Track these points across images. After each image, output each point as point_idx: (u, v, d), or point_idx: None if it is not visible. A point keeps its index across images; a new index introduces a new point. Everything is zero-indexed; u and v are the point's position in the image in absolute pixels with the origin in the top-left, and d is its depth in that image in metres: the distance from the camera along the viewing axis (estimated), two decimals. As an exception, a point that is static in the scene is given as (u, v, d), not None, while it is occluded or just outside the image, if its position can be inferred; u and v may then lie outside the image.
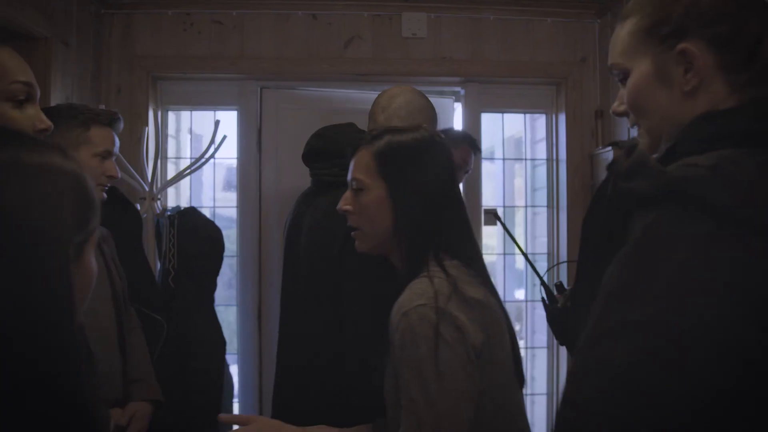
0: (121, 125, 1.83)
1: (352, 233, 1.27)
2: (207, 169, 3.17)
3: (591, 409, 0.69)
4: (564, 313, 1.29)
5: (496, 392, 1.15)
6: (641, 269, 0.73)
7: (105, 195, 1.74)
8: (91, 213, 0.71)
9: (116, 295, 1.78)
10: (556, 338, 1.29)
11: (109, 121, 1.74)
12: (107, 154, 1.70)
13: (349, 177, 1.25)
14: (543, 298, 1.35)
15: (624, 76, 0.93)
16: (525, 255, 1.52)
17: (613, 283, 0.75)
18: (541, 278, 1.41)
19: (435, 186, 1.21)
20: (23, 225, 0.61)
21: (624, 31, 0.91)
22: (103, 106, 2.17)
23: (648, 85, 0.89)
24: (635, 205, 0.79)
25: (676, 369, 0.67)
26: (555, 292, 1.38)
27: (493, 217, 1.64)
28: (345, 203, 1.25)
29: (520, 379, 1.25)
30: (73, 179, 0.69)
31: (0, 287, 0.58)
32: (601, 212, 0.87)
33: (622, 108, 0.95)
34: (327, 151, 1.64)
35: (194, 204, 3.09)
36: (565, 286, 1.38)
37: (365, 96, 2.82)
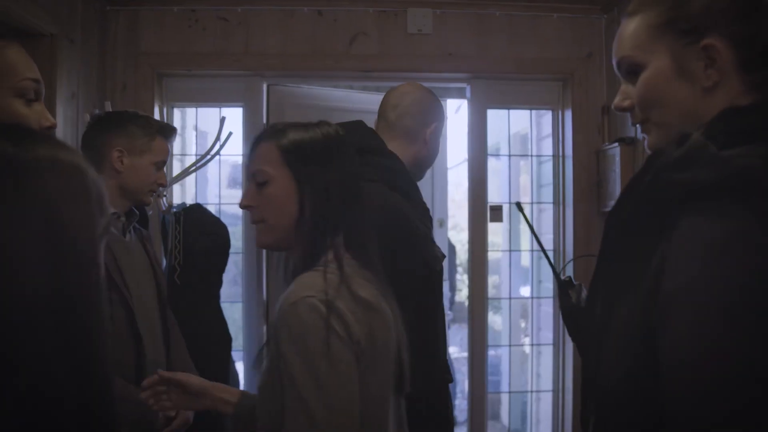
0: (175, 139, 2.02)
1: (256, 225, 1.24)
2: (212, 165, 3.17)
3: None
4: (578, 310, 1.27)
5: (365, 404, 1.09)
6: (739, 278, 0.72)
7: (151, 200, 1.94)
8: (106, 212, 0.72)
9: (160, 292, 1.92)
10: (570, 335, 1.28)
11: (170, 134, 1.94)
12: (162, 165, 1.89)
13: (251, 170, 1.23)
14: (558, 293, 1.33)
15: (633, 70, 0.92)
16: (543, 249, 1.49)
17: (697, 300, 0.73)
18: (556, 274, 1.39)
19: (340, 182, 1.19)
20: (64, 219, 0.64)
21: (636, 25, 0.91)
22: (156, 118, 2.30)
23: (666, 79, 0.88)
24: (688, 198, 0.77)
25: None
26: (567, 288, 1.36)
27: (516, 207, 1.61)
28: (247, 200, 1.22)
29: (400, 390, 1.20)
30: (95, 179, 0.71)
31: (43, 277, 0.60)
32: (636, 205, 0.83)
33: (627, 103, 0.94)
34: None
35: (200, 201, 3.09)
36: (574, 281, 1.36)
37: (372, 96, 2.82)
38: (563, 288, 1.33)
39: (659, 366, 0.77)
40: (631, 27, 0.92)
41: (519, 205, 1.63)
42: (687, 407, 0.72)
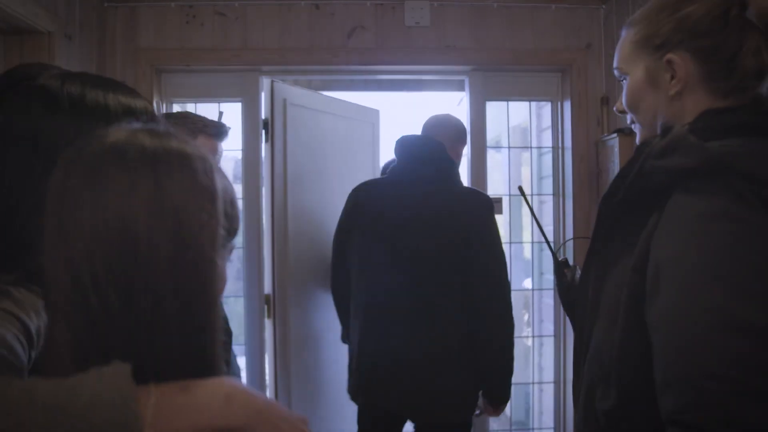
0: (226, 137, 1.92)
1: None
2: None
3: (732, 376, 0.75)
4: (573, 287, 1.38)
5: None
6: (720, 251, 0.81)
7: None
8: (237, 219, 0.76)
9: None
10: (565, 311, 1.38)
11: (216, 132, 1.85)
12: None
13: None
14: (554, 270, 1.45)
15: (624, 79, 1.08)
16: (541, 229, 1.61)
17: (691, 279, 0.81)
18: (554, 253, 1.48)
19: None
20: (190, 219, 0.67)
21: (624, 40, 1.07)
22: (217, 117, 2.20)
23: (641, 87, 1.04)
24: (673, 182, 0.88)
25: None
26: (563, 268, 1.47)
27: (518, 190, 1.71)
28: None
29: None
30: (230, 187, 0.75)
31: (164, 265, 0.65)
32: (627, 189, 0.95)
33: (622, 107, 1.11)
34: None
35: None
36: (570, 263, 1.47)
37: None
38: (559, 267, 1.44)
39: (650, 330, 0.85)
40: (622, 41, 1.08)
41: (521, 189, 1.74)
42: (679, 363, 0.79)
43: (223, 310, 2.50)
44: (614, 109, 1.16)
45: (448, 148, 2.20)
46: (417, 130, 2.36)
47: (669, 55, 0.98)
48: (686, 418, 0.77)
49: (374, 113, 3.50)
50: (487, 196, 2.21)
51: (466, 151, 3.10)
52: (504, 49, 2.97)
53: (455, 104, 6.97)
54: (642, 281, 0.88)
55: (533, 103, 3.45)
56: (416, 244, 2.06)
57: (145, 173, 0.66)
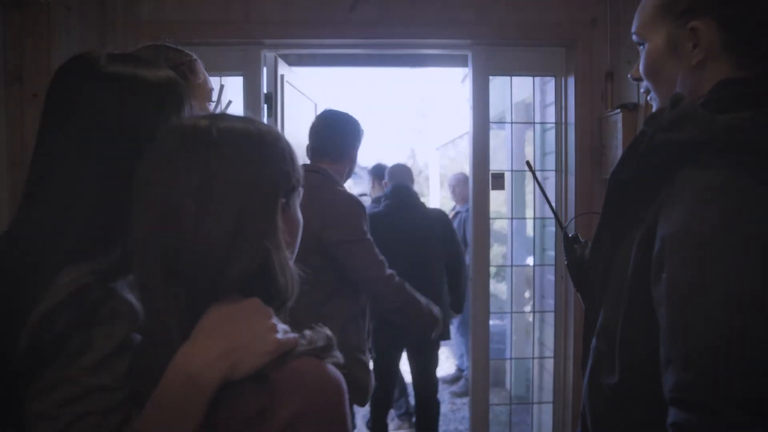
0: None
1: None
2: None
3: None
4: (582, 261, 1.37)
5: None
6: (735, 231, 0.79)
7: None
8: (296, 170, 0.87)
9: None
10: (574, 284, 1.40)
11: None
12: None
13: None
14: (564, 246, 1.43)
15: (642, 45, 1.04)
16: (550, 204, 1.61)
17: (699, 252, 0.80)
18: (563, 229, 1.47)
19: None
20: (256, 178, 0.81)
21: (649, 4, 1.03)
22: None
23: (660, 55, 1.00)
24: (682, 155, 0.87)
25: None
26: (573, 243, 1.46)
27: (526, 165, 1.70)
28: None
29: None
30: (286, 141, 0.88)
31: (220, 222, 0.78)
32: (637, 163, 0.94)
33: (638, 74, 1.07)
34: None
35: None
36: (580, 239, 1.46)
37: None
38: (569, 243, 1.43)
39: (654, 305, 0.85)
40: (643, 5, 1.04)
41: (529, 164, 1.74)
42: (681, 339, 0.78)
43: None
44: (629, 75, 1.12)
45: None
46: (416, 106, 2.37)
47: (693, 22, 0.95)
48: (687, 395, 0.76)
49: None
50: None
51: (469, 126, 3.09)
52: (508, 22, 2.93)
53: (459, 81, 6.92)
54: (648, 256, 0.87)
55: (537, 79, 3.42)
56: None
57: (207, 156, 0.79)
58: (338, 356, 0.83)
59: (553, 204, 3.18)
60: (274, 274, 0.81)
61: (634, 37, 1.06)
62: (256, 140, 0.83)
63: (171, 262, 0.77)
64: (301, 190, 0.89)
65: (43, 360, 0.79)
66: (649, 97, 1.08)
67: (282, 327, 0.80)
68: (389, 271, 2.27)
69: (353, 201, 2.31)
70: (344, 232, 2.21)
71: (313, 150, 2.43)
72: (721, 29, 0.93)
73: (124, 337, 0.81)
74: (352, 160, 2.45)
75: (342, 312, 2.25)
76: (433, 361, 3.66)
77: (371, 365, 2.46)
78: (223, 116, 0.85)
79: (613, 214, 1.01)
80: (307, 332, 0.83)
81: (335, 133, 2.40)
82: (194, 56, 1.14)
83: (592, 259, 1.08)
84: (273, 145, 0.85)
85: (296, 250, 0.90)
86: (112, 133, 0.89)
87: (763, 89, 0.91)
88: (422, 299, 2.38)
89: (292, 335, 0.80)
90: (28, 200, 0.92)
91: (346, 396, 0.80)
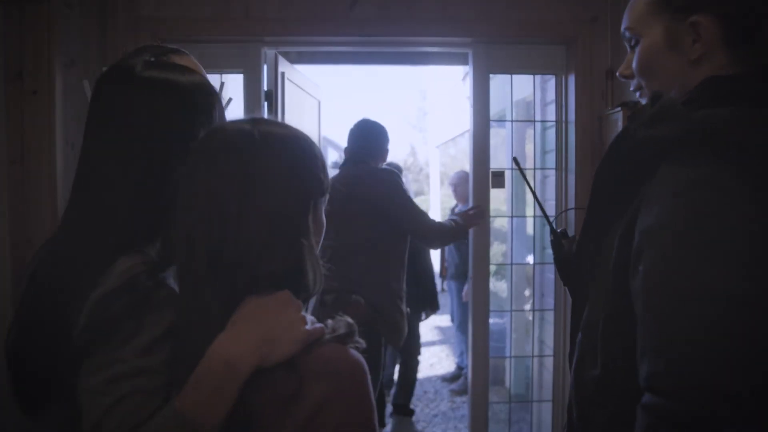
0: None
1: None
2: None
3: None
4: (570, 257, 1.38)
5: None
6: (706, 231, 0.80)
7: None
8: (326, 176, 0.95)
9: None
10: (561, 279, 1.38)
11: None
12: None
13: None
14: (552, 241, 1.45)
15: (635, 41, 1.03)
16: (536, 198, 1.62)
17: (672, 247, 0.81)
18: (550, 223, 1.48)
19: None
20: (293, 182, 0.90)
21: (640, 0, 1.02)
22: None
23: (658, 50, 0.99)
24: (662, 152, 0.87)
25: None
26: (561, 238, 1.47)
27: (513, 162, 1.72)
28: None
29: None
30: (317, 147, 0.96)
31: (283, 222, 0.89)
32: (620, 159, 0.95)
33: (629, 71, 1.06)
34: None
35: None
36: (568, 233, 1.47)
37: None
38: (557, 238, 1.44)
39: (632, 297, 0.86)
40: (636, 1, 1.03)
41: (515, 160, 1.75)
42: (655, 329, 0.80)
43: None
44: (618, 74, 1.10)
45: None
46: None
47: (694, 17, 0.94)
48: (659, 384, 0.77)
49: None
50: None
51: (469, 125, 3.09)
52: (509, 20, 2.93)
53: (459, 80, 6.91)
54: (628, 251, 0.88)
55: (537, 77, 3.42)
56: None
57: (249, 158, 0.88)
58: (360, 341, 0.91)
59: (550, 201, 3.19)
60: (305, 270, 0.90)
61: (626, 33, 1.04)
62: (295, 146, 0.93)
63: (215, 256, 0.86)
64: (327, 196, 0.97)
65: (97, 339, 0.86)
66: (638, 95, 1.07)
67: (309, 318, 0.90)
68: (431, 220, 3.09)
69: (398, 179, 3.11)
70: (400, 197, 3.03)
71: (353, 152, 3.17)
72: (721, 24, 0.93)
73: (169, 324, 0.89)
74: (384, 157, 3.26)
75: (393, 264, 3.03)
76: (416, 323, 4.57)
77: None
78: (264, 121, 0.94)
79: (598, 210, 1.02)
80: (329, 322, 0.92)
81: (372, 137, 3.21)
82: (181, 49, 1.16)
83: (578, 254, 1.09)
84: (309, 151, 0.94)
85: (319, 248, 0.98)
86: (148, 135, 0.97)
87: (747, 86, 0.91)
88: (446, 224, 3.10)
89: (318, 325, 0.89)
90: (76, 196, 1.00)
91: (369, 377, 0.88)
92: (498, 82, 3.26)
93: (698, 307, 0.76)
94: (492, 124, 3.15)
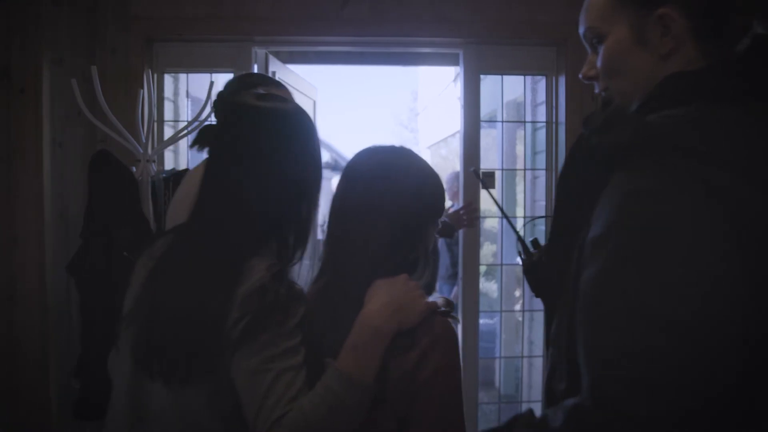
0: None
1: None
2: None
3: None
4: (538, 266, 1.36)
5: None
6: (642, 240, 0.76)
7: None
8: (443, 204, 1.25)
9: None
10: (531, 289, 1.35)
11: None
12: None
13: None
14: (519, 252, 1.44)
15: (599, 40, 0.97)
16: (501, 209, 1.63)
17: (608, 258, 0.78)
18: (516, 232, 1.48)
19: None
20: (418, 208, 1.17)
21: None
22: None
23: (625, 47, 0.93)
24: (613, 158, 0.82)
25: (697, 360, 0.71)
26: (531, 248, 1.46)
27: (473, 174, 1.71)
28: None
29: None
30: (441, 183, 1.26)
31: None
32: (575, 168, 0.92)
33: (593, 72, 1.00)
34: None
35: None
36: (540, 242, 1.47)
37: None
38: (525, 248, 1.45)
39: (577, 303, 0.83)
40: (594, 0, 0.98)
41: (476, 172, 1.75)
42: (587, 345, 0.78)
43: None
44: (580, 76, 1.04)
45: None
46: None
47: (661, 9, 0.88)
48: (589, 399, 0.75)
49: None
50: None
51: (460, 126, 3.09)
52: (499, 21, 2.93)
53: (451, 81, 6.91)
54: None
55: (528, 78, 3.43)
56: None
57: (398, 180, 1.16)
58: (456, 315, 1.14)
59: (540, 202, 3.20)
60: (418, 264, 1.17)
61: (587, 34, 0.98)
62: (429, 179, 1.19)
63: (357, 252, 1.14)
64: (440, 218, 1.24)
65: (253, 327, 1.02)
66: (603, 95, 1.01)
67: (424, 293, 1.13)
68: None
69: None
70: None
71: None
72: (688, 16, 0.88)
73: (303, 312, 1.07)
74: None
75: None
76: None
77: None
78: (410, 153, 1.22)
79: (563, 219, 0.99)
80: (431, 298, 1.14)
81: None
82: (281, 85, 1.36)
83: (546, 264, 1.08)
84: (439, 185, 1.21)
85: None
86: (261, 156, 1.14)
87: (706, 82, 0.86)
88: None
89: (431, 300, 1.12)
90: (206, 205, 1.17)
91: None
92: (489, 83, 3.26)
93: (624, 327, 0.73)
94: (483, 124, 3.15)
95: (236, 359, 1.03)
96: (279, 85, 1.25)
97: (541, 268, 1.19)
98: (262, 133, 1.15)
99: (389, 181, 1.16)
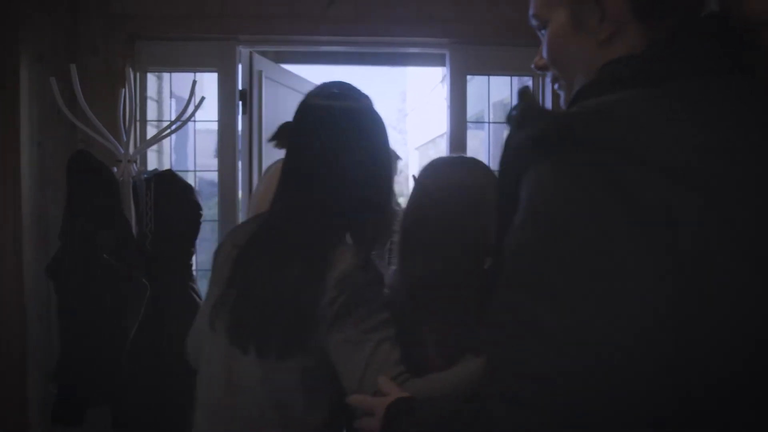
0: None
1: None
2: (193, 134, 3.13)
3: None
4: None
5: None
6: (543, 243, 0.68)
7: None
8: None
9: None
10: None
11: None
12: None
13: None
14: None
15: (542, 27, 0.90)
16: None
17: (513, 262, 0.71)
18: None
19: None
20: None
21: None
22: None
23: (565, 34, 0.85)
24: (526, 153, 0.74)
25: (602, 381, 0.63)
26: None
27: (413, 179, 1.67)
28: None
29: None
30: None
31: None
32: (504, 167, 0.81)
33: (542, 62, 0.92)
34: None
35: (179, 169, 3.04)
36: None
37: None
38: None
39: None
40: None
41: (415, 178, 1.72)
42: (491, 346, 0.72)
43: (196, 288, 2.47)
44: (532, 66, 0.96)
45: None
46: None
47: None
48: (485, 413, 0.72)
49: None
50: None
51: (446, 127, 3.07)
52: (486, 21, 2.91)
53: (438, 81, 6.89)
54: None
55: (515, 78, 3.41)
56: None
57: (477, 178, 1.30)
58: None
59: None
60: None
61: (533, 21, 0.91)
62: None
63: (445, 250, 1.23)
64: None
65: (351, 304, 1.16)
66: (557, 86, 0.94)
67: None
68: None
69: None
70: None
71: None
72: None
73: (384, 292, 1.24)
74: None
75: None
76: None
77: None
78: (475, 161, 1.36)
79: (502, 222, 0.91)
80: None
81: None
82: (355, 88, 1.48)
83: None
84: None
85: None
86: (337, 151, 1.25)
87: (637, 67, 0.78)
88: None
89: None
90: (282, 200, 1.29)
91: None
92: (476, 84, 3.24)
93: (502, 336, 0.69)
94: (469, 125, 3.13)
95: (333, 334, 1.16)
96: (353, 88, 1.36)
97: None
98: (336, 130, 1.25)
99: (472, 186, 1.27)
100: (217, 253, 1.37)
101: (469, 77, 3.06)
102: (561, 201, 0.67)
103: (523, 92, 0.84)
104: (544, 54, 0.90)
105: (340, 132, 1.25)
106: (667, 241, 0.63)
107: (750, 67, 0.77)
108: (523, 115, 0.77)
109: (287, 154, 1.31)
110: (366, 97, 1.34)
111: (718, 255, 0.63)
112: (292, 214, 1.26)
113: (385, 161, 1.29)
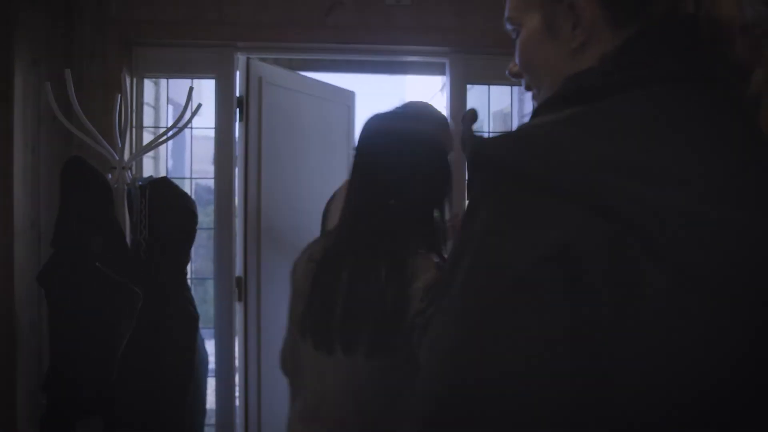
0: None
1: None
2: (190, 140, 3.10)
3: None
4: None
5: None
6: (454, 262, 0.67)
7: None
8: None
9: None
10: None
11: None
12: None
13: None
14: None
15: (516, 32, 0.85)
16: None
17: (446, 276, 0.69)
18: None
19: None
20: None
21: None
22: None
23: (537, 40, 0.81)
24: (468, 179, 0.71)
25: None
26: None
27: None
28: None
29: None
30: None
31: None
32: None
33: (516, 68, 0.87)
34: None
35: (176, 176, 3.01)
36: None
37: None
38: None
39: None
40: None
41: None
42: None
43: (190, 297, 2.44)
44: (507, 72, 0.92)
45: None
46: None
47: None
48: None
49: (350, 95, 3.44)
50: None
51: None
52: (486, 30, 2.88)
53: (437, 89, 6.88)
54: None
55: (515, 88, 3.39)
56: None
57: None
58: None
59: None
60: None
61: (507, 25, 0.86)
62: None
63: None
64: None
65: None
66: (533, 96, 0.89)
67: None
68: None
69: None
70: None
71: None
72: (602, 3, 0.75)
73: None
74: None
75: None
76: None
77: None
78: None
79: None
80: None
81: None
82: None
83: None
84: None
85: None
86: (399, 174, 1.35)
87: (590, 81, 0.74)
88: None
89: None
90: (354, 214, 1.38)
91: None
92: (475, 93, 3.23)
93: (427, 367, 0.67)
94: (469, 135, 3.11)
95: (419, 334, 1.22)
96: (429, 107, 1.56)
97: None
98: (404, 150, 1.36)
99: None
100: (295, 270, 1.46)
101: (468, 86, 3.03)
102: (478, 228, 0.64)
103: (466, 116, 0.83)
104: (517, 60, 0.85)
105: (409, 152, 1.36)
106: (570, 274, 0.59)
107: (714, 75, 0.73)
108: (463, 139, 0.78)
109: (354, 172, 1.40)
110: (443, 117, 1.54)
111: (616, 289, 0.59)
112: (369, 227, 1.34)
113: (447, 177, 1.42)
